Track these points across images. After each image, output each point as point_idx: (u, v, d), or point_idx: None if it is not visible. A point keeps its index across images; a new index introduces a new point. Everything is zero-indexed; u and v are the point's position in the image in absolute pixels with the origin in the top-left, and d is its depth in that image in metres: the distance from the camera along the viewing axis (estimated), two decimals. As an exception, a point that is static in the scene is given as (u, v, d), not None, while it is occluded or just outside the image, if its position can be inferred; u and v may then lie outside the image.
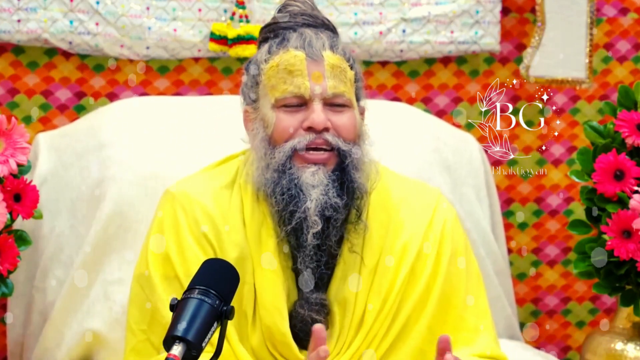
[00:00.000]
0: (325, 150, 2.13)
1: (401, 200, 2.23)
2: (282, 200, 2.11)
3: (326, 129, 2.12)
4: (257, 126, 2.17)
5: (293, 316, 2.15)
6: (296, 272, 2.16)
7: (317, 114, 2.11)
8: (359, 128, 2.17)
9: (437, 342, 1.97)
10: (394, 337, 2.16)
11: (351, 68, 2.18)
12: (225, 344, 2.09)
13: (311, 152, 2.12)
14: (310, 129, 2.12)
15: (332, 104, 2.14)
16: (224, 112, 2.75)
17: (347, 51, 2.19)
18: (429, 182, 2.69)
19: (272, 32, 2.20)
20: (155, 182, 2.63)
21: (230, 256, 2.12)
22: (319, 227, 2.10)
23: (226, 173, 2.23)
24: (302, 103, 2.13)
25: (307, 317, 2.14)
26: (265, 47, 2.18)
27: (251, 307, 2.14)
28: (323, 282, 2.16)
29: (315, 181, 2.11)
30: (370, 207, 2.18)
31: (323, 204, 2.10)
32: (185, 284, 2.08)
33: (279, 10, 2.23)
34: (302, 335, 2.14)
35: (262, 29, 2.24)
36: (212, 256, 2.14)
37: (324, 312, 2.15)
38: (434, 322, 2.18)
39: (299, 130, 2.12)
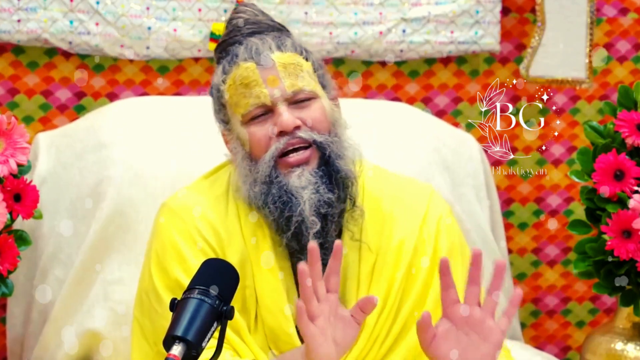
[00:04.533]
0: (304, 148, 2.13)
1: (394, 198, 2.23)
2: (276, 209, 2.11)
3: (297, 127, 2.12)
4: (235, 145, 2.17)
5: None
6: (295, 273, 2.16)
7: (284, 116, 2.11)
8: (330, 116, 2.16)
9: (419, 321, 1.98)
10: (395, 337, 2.16)
11: (306, 60, 2.17)
12: (237, 339, 2.09)
13: (291, 155, 2.12)
14: (282, 133, 2.12)
15: (296, 101, 2.14)
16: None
17: (297, 45, 2.18)
18: (429, 182, 2.69)
19: (223, 51, 2.20)
20: (154, 182, 2.63)
21: (232, 261, 2.12)
22: (318, 226, 2.11)
23: (219, 183, 2.23)
24: (267, 111, 2.14)
25: None
26: (220, 68, 2.19)
27: (254, 311, 2.14)
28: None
29: (303, 182, 2.11)
30: (364, 207, 2.18)
31: (317, 203, 2.10)
32: None
33: (226, 27, 2.24)
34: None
35: (215, 50, 2.24)
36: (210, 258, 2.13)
37: None
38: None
39: (273, 138, 2.12)
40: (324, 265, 2.08)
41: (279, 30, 2.22)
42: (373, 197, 2.21)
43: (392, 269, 2.17)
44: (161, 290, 2.13)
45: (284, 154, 2.12)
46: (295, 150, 2.12)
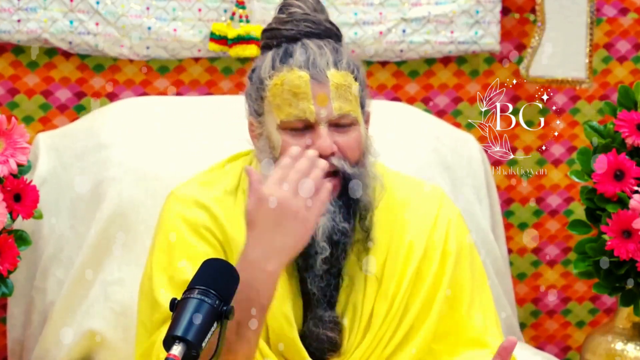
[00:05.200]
0: (331, 174, 2.09)
1: (405, 200, 2.22)
2: None
3: (332, 153, 2.09)
4: (263, 144, 2.14)
5: (307, 335, 2.13)
6: (303, 291, 2.15)
7: (324, 140, 2.08)
8: (364, 144, 2.14)
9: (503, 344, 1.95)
10: (401, 338, 2.16)
11: (355, 79, 2.15)
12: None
13: None
14: None
15: (338, 124, 2.11)
16: (224, 111, 2.75)
17: (351, 62, 2.14)
18: (429, 182, 2.69)
19: (275, 39, 2.15)
20: (155, 183, 2.62)
21: (235, 258, 2.11)
22: (327, 253, 2.09)
23: (230, 177, 2.21)
24: (307, 126, 2.10)
25: (322, 336, 2.13)
26: (268, 59, 2.13)
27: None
28: (333, 299, 2.15)
29: None
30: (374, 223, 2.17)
31: (330, 230, 2.09)
32: None
33: (280, 11, 2.19)
34: (318, 354, 2.14)
35: (264, 32, 2.19)
36: (220, 252, 2.13)
37: (338, 329, 2.14)
38: (441, 322, 2.18)
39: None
40: (331, 289, 2.11)
41: (336, 35, 2.17)
42: (386, 201, 2.20)
43: (401, 271, 2.17)
44: (160, 279, 2.12)
45: None
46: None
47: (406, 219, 2.20)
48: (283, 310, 2.12)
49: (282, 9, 2.19)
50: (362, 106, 2.17)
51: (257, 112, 2.16)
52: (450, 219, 2.23)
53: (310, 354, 2.13)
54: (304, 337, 2.14)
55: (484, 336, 2.19)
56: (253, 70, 2.17)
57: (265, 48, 2.18)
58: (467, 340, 2.18)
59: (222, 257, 2.12)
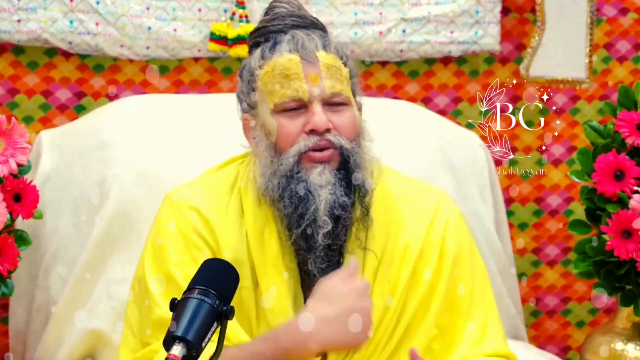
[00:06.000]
0: (330, 148, 2.13)
1: (403, 200, 2.23)
2: (291, 204, 2.10)
3: (328, 130, 2.12)
4: (259, 134, 2.16)
5: None
6: (306, 274, 2.16)
7: (319, 116, 2.11)
8: (358, 125, 2.17)
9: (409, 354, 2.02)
10: (399, 337, 2.16)
11: (345, 65, 2.17)
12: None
13: (316, 151, 2.13)
14: (312, 131, 2.11)
15: (331, 103, 2.14)
16: (226, 110, 2.74)
17: (339, 49, 2.18)
18: (433, 180, 2.69)
19: (263, 37, 2.19)
20: (157, 181, 2.63)
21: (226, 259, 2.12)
22: (329, 227, 2.10)
23: (225, 178, 2.23)
24: (301, 106, 2.13)
25: None
26: (258, 52, 2.17)
27: (254, 311, 2.14)
28: None
29: (322, 181, 2.10)
30: (372, 207, 2.18)
31: (332, 203, 2.10)
32: (182, 285, 2.08)
33: (266, 13, 2.23)
34: None
35: (252, 33, 2.23)
36: (210, 257, 2.13)
37: None
38: (440, 321, 2.18)
39: (302, 134, 2.12)
40: (333, 267, 2.11)
41: (322, 29, 2.21)
42: (383, 199, 2.21)
43: (396, 271, 2.17)
44: (151, 280, 2.14)
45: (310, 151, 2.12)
46: (320, 150, 2.12)
47: (403, 218, 2.21)
48: (284, 309, 2.12)
49: (268, 10, 2.23)
50: (354, 94, 2.19)
51: (250, 106, 2.19)
52: (449, 219, 2.23)
53: None
54: None
55: (485, 337, 2.19)
56: (243, 68, 2.21)
57: (253, 46, 2.21)
58: (466, 341, 2.18)
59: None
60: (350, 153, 2.12)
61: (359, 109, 2.21)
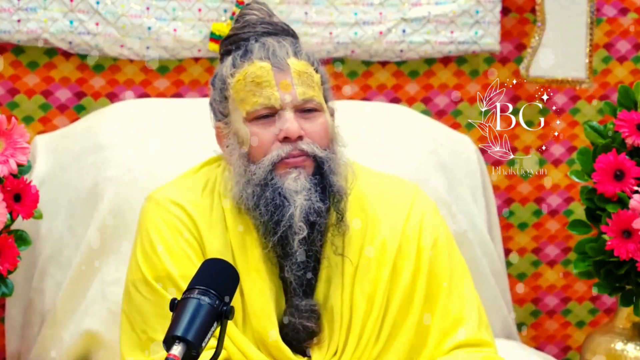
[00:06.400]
0: (304, 155, 2.13)
1: (377, 197, 2.24)
2: (267, 211, 2.11)
3: (300, 137, 2.12)
4: (232, 142, 2.17)
5: (284, 324, 2.15)
6: (283, 280, 2.16)
7: (291, 123, 2.11)
8: (331, 132, 2.17)
9: None
10: (387, 336, 2.17)
11: (316, 71, 2.18)
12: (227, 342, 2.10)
13: (290, 158, 2.13)
14: (285, 139, 2.12)
15: (303, 110, 2.14)
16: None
17: (310, 55, 2.19)
18: (426, 183, 2.69)
19: (234, 44, 2.19)
20: (152, 184, 2.61)
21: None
22: (305, 233, 2.11)
23: (205, 182, 2.23)
24: (273, 113, 2.13)
25: (299, 325, 2.14)
26: (229, 60, 2.18)
27: (240, 314, 2.14)
28: (310, 287, 2.16)
29: (298, 186, 2.11)
30: (347, 212, 2.18)
31: (307, 209, 2.10)
32: (179, 282, 2.08)
33: (236, 21, 2.23)
34: (295, 343, 2.15)
35: (223, 41, 2.24)
36: (200, 254, 2.14)
37: (314, 317, 2.16)
38: (421, 315, 2.18)
39: (275, 142, 2.12)
40: (307, 272, 2.12)
41: (293, 36, 2.22)
42: (358, 201, 2.21)
43: (376, 271, 2.17)
44: (151, 280, 2.14)
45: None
46: (294, 156, 2.12)
47: (379, 216, 2.21)
48: (266, 313, 2.13)
49: (239, 18, 2.24)
50: (326, 100, 2.20)
51: (222, 114, 2.20)
52: (424, 213, 2.24)
53: (288, 343, 2.14)
54: (282, 327, 2.15)
55: (459, 327, 2.19)
56: (215, 76, 2.22)
57: (225, 54, 2.22)
58: (443, 332, 2.18)
59: (200, 253, 2.15)
60: (324, 160, 2.13)
61: (332, 115, 2.22)
